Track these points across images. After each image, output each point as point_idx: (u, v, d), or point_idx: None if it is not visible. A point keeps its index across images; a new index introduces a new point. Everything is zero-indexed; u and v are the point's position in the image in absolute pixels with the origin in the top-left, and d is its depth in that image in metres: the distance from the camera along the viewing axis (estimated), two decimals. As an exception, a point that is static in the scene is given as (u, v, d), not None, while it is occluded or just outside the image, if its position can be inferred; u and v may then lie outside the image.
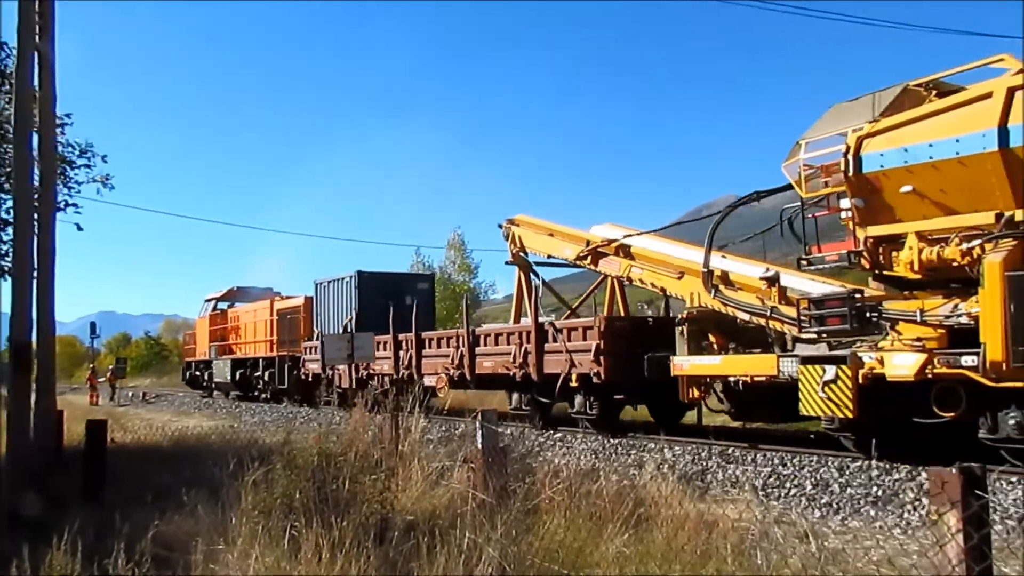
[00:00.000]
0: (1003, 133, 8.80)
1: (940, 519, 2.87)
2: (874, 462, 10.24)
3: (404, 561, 4.68)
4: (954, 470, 2.92)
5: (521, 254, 18.11)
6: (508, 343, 16.82)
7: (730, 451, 11.74)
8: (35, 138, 9.62)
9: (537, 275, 18.42)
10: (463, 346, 17.89)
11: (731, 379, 12.29)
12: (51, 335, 9.69)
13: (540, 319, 16.50)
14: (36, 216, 9.51)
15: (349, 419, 7.52)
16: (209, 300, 35.89)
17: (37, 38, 9.67)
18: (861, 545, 6.94)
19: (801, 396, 10.61)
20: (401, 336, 20.10)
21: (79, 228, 14.54)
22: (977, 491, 2.87)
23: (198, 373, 36.83)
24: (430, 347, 19.38)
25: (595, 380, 14.41)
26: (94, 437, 8.50)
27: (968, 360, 9.02)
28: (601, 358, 14.22)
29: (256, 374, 29.61)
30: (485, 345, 17.62)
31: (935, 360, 9.44)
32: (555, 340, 15.44)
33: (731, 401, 12.73)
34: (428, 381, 18.66)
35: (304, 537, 4.70)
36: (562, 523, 5.33)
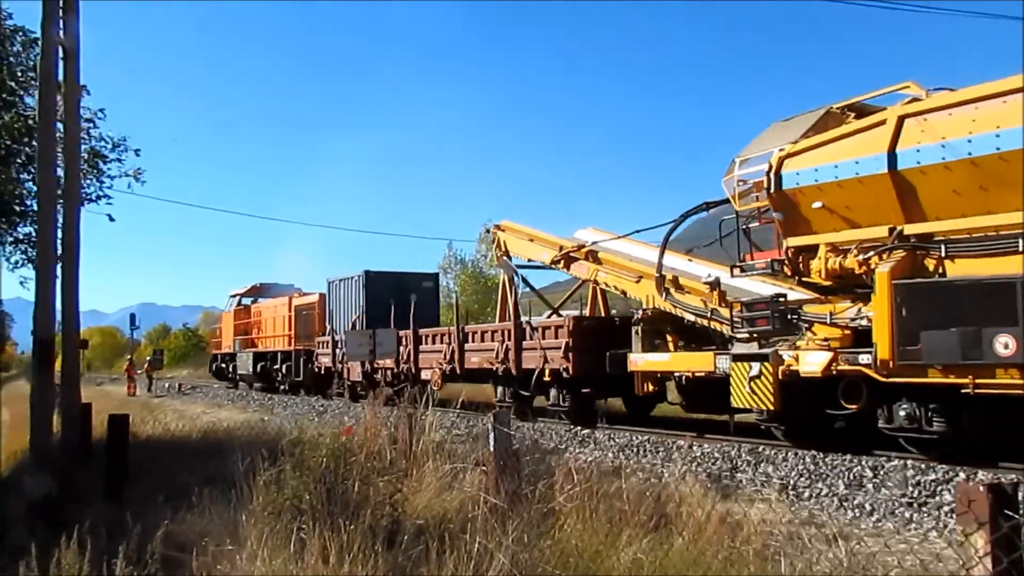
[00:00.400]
0: (892, 157, 10.00)
1: (967, 540, 2.66)
2: (909, 461, 9.98)
3: (413, 566, 4.56)
4: (982, 487, 2.71)
5: (505, 257, 19.53)
6: (492, 340, 18.20)
7: (760, 449, 11.49)
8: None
9: (522, 278, 19.59)
10: (454, 343, 19.25)
11: (676, 374, 13.56)
12: (75, 329, 9.70)
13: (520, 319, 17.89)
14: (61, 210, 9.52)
15: (363, 419, 7.42)
16: (234, 296, 37.47)
17: (61, 32, 9.65)
18: (894, 549, 6.73)
19: (732, 390, 11.73)
20: (401, 332, 20.88)
21: (111, 219, 14.67)
22: (1007, 511, 2.66)
23: (224, 365, 38.41)
24: (426, 343, 20.52)
25: (564, 375, 15.80)
26: (116, 432, 8.48)
27: (864, 358, 10.21)
28: (570, 354, 15.66)
29: (275, 367, 31.07)
30: (472, 342, 18.99)
31: (839, 358, 10.62)
32: (531, 338, 16.87)
33: (683, 394, 13.95)
34: (424, 375, 19.94)
35: (311, 540, 4.59)
36: (578, 527, 5.17)
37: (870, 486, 9.61)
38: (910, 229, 10.14)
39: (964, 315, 9.06)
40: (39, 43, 9.98)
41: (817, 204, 10.94)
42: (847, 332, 10.79)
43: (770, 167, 11.41)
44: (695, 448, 12.05)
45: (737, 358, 11.74)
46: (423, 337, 20.60)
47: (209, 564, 4.79)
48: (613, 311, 18.40)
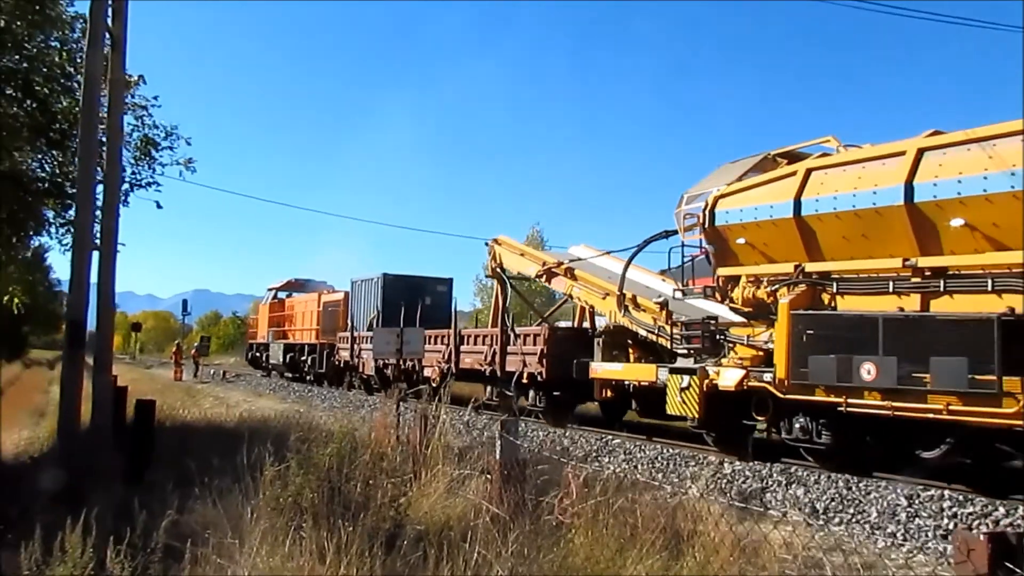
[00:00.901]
0: (797, 204, 11.65)
1: (964, 591, 2.49)
2: (946, 492, 9.66)
3: (410, 572, 4.48)
4: (983, 536, 2.53)
5: (499, 269, 21.01)
6: (482, 344, 20.09)
7: (793, 470, 11.23)
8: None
9: (513, 287, 21.54)
10: (451, 345, 21.12)
11: (627, 382, 15.36)
12: (111, 313, 9.81)
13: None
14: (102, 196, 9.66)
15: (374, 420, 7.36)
16: (271, 289, 39.34)
17: (110, 20, 9.77)
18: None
19: (668, 398, 13.28)
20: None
21: (159, 206, 14.85)
22: (1008, 563, 2.48)
23: (258, 354, 40.46)
24: (430, 344, 21.13)
25: (539, 378, 17.59)
26: (141, 417, 8.55)
27: (767, 376, 11.71)
28: (544, 360, 17.46)
29: (303, 358, 33.15)
30: (466, 345, 20.89)
31: (750, 376, 12.11)
32: (515, 344, 18.71)
33: (636, 401, 15.89)
34: (427, 372, 21.59)
35: (309, 539, 4.53)
36: (584, 542, 5.04)
37: (903, 515, 9.33)
38: (811, 267, 11.78)
39: (842, 344, 10.62)
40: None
41: (740, 240, 12.64)
42: (759, 353, 12.36)
43: (707, 205, 13.07)
44: (726, 465, 11.82)
45: (673, 371, 13.37)
46: (427, 338, 20.63)
47: (209, 556, 4.75)
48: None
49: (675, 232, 14.39)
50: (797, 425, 11.66)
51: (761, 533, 5.78)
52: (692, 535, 5.76)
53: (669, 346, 14.12)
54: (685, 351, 13.70)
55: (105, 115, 9.85)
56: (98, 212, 9.96)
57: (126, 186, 13.74)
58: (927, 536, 8.81)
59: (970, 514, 9.04)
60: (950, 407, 9.53)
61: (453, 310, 22.77)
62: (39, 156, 14.23)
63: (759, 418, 12.27)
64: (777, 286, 12.07)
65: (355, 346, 27.05)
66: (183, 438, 12.07)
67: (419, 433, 6.61)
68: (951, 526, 8.92)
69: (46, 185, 14.02)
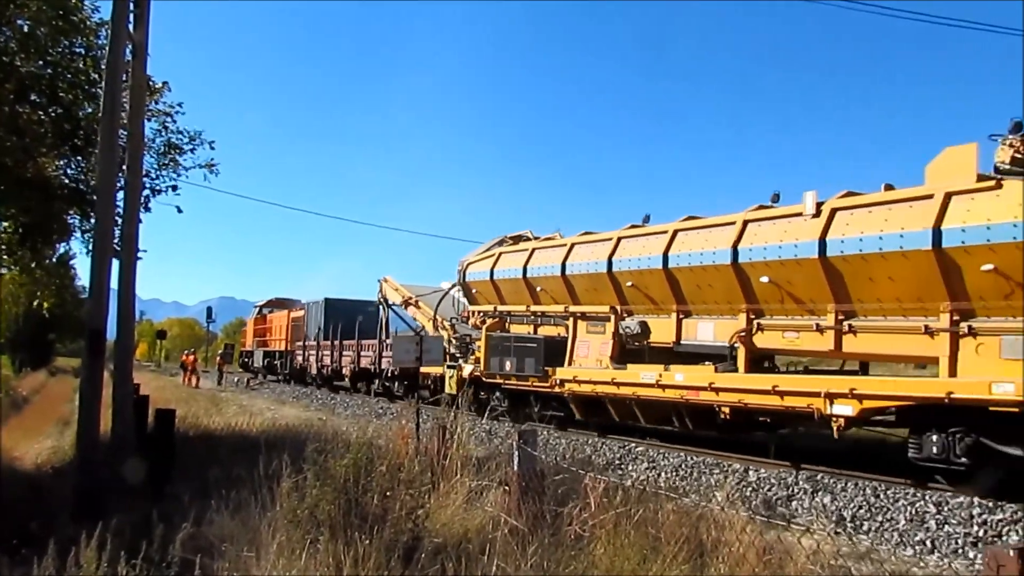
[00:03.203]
0: (492, 272, 20.11)
1: (994, 607, 2.40)
2: (975, 499, 9.47)
3: (428, 586, 4.40)
4: (1012, 551, 2.43)
5: (383, 299, 28.65)
6: (371, 351, 28.83)
7: (819, 477, 11.05)
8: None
9: (392, 310, 28.56)
10: (356, 350, 30.21)
11: (434, 375, 22.61)
12: (132, 321, 9.81)
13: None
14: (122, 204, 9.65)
15: (392, 429, 7.27)
16: (256, 306, 48.19)
17: (132, 27, 9.79)
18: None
19: (446, 383, 20.48)
20: (336, 341, 32.03)
21: (179, 210, 14.89)
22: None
23: (246, 360, 48.80)
24: (347, 350, 31.18)
25: (396, 372, 26.37)
26: (161, 428, 8.52)
27: (472, 369, 19.87)
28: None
29: (276, 362, 41.93)
30: (364, 351, 29.64)
31: (476, 369, 19.47)
32: (388, 350, 26.24)
33: (437, 385, 22.28)
34: (344, 371, 31.15)
35: (326, 552, 4.47)
36: (605, 554, 4.94)
37: (932, 523, 9.17)
38: (502, 308, 19.99)
39: (514, 351, 17.93)
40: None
41: (474, 290, 21.20)
42: (480, 356, 19.46)
43: (461, 267, 21.45)
44: (751, 473, 11.65)
45: (447, 367, 20.49)
46: (345, 346, 31.24)
47: (225, 569, 4.70)
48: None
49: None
50: (495, 397, 18.90)
51: (788, 543, 5.65)
52: (717, 545, 5.63)
53: (451, 351, 21.23)
54: (455, 354, 21.09)
55: (126, 121, 9.86)
56: (119, 219, 9.97)
57: (147, 192, 13.79)
58: (957, 543, 8.65)
59: (1000, 521, 8.88)
60: (534, 383, 17.45)
61: (381, 324, 28.92)
62: (64, 162, 14.32)
63: (485, 394, 19.15)
64: (484, 318, 20.23)
65: (306, 352, 35.98)
66: (206, 447, 12.07)
67: (437, 443, 6.54)
68: (980, 533, 8.76)
69: (70, 191, 14.10)
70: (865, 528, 9.44)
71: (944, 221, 10.36)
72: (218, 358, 48.91)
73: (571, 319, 17.18)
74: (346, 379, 31.40)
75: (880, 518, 9.57)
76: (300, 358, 36.70)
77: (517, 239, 20.78)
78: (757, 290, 12.93)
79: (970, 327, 10.32)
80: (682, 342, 14.63)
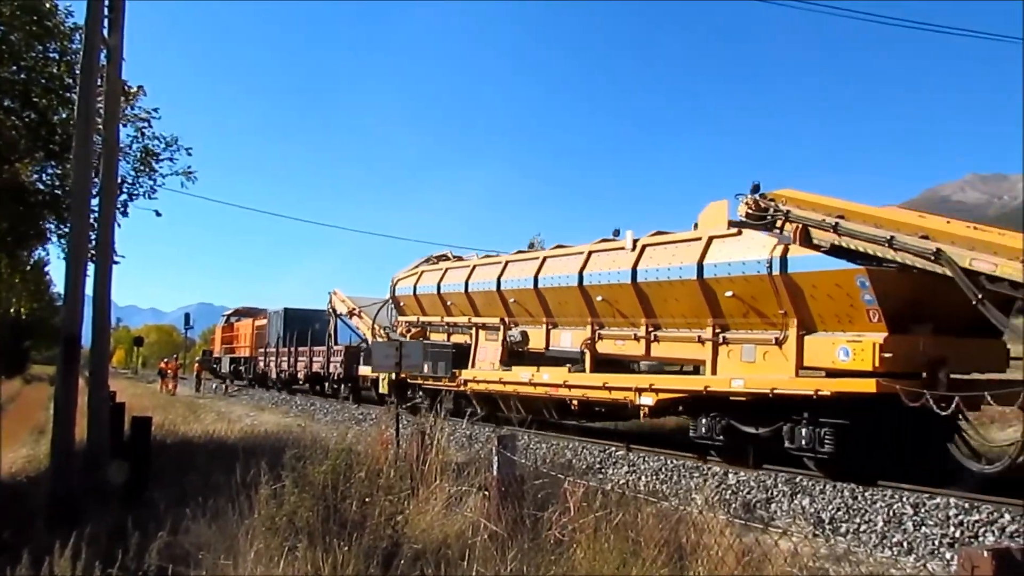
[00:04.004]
0: (415, 288, 22.84)
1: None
2: (952, 500, 9.55)
3: (407, 592, 4.38)
4: (987, 552, 2.45)
5: (332, 309, 31.20)
6: (322, 356, 31.70)
7: (798, 479, 11.11)
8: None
9: (341, 320, 31.01)
10: (308, 356, 33.39)
11: (367, 377, 25.91)
12: (107, 327, 9.72)
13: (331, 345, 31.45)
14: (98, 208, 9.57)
15: (372, 435, 7.24)
16: (225, 315, 51.62)
17: (107, 32, 9.71)
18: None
19: (380, 383, 23.57)
20: (292, 348, 35.11)
21: (158, 214, 14.77)
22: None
23: (215, 365, 51.46)
24: (301, 356, 34.38)
25: (340, 376, 29.69)
26: (137, 435, 8.44)
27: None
28: (342, 365, 29.31)
29: (241, 367, 44.55)
30: (316, 356, 32.56)
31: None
32: (336, 355, 30.28)
33: (375, 386, 24.99)
34: (299, 375, 34.45)
35: (304, 559, 4.44)
36: (585, 558, 4.93)
37: (910, 524, 9.23)
38: (423, 319, 22.69)
39: (431, 356, 19.72)
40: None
41: (401, 303, 23.93)
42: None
43: (392, 282, 24.20)
44: (730, 476, 11.70)
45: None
46: (300, 352, 34.25)
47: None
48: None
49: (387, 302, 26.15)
50: (419, 396, 21.33)
51: (767, 545, 5.68)
52: (696, 548, 5.65)
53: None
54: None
55: (101, 127, 9.78)
56: (95, 224, 9.88)
57: (124, 197, 13.68)
58: (934, 545, 8.71)
59: (976, 522, 8.94)
60: (445, 383, 20.07)
61: (329, 333, 31.59)
62: (39, 168, 14.18)
63: (408, 393, 21.62)
64: (410, 327, 23.25)
65: (267, 358, 38.90)
66: (184, 454, 11.97)
67: (416, 449, 6.52)
68: (957, 534, 8.83)
69: (46, 197, 13.97)
70: (843, 530, 9.50)
71: (706, 258, 13.34)
72: (196, 364, 48.69)
73: (473, 329, 20.16)
74: (300, 382, 34.96)
75: (858, 520, 9.62)
76: (262, 363, 39.63)
77: (439, 259, 23.77)
78: (597, 307, 16.02)
79: (724, 338, 13.31)
80: (550, 348, 17.80)
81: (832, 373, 11.65)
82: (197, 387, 42.27)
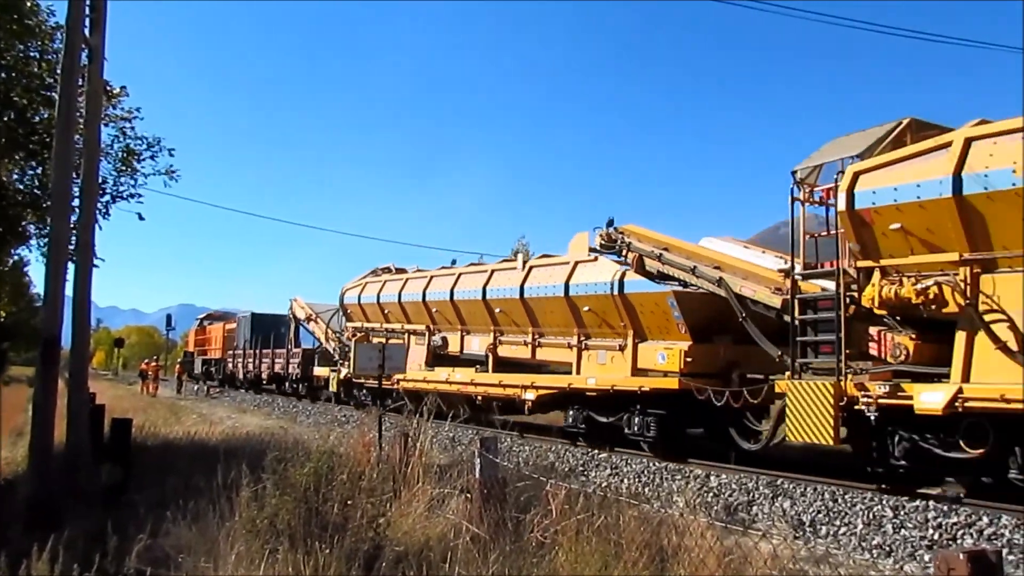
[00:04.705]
0: (379, 296, 25.10)
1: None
2: (931, 503, 9.64)
3: (389, 594, 4.38)
4: (962, 555, 2.48)
5: (292, 315, 34.21)
6: (283, 358, 34.71)
7: (779, 482, 11.17)
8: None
9: (303, 327, 33.61)
10: (272, 357, 36.05)
11: (322, 376, 29.47)
12: (87, 329, 9.65)
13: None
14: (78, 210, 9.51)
15: (354, 437, 7.23)
16: (198, 319, 55.23)
17: (88, 31, 9.66)
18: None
19: (330, 382, 27.23)
20: (257, 350, 37.83)
21: (141, 217, 14.64)
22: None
23: (188, 367, 53.15)
24: (266, 358, 36.79)
25: (298, 375, 32.91)
26: (117, 437, 8.38)
27: (344, 371, 26.17)
28: (300, 366, 32.30)
29: (212, 369, 47.64)
30: (277, 358, 35.47)
31: (348, 373, 22.64)
32: (294, 357, 33.37)
33: (326, 385, 29.03)
34: (264, 375, 37.10)
35: (285, 562, 4.42)
36: (567, 560, 4.95)
37: (889, 527, 9.29)
38: (367, 325, 25.48)
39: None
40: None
41: (349, 311, 27.10)
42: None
43: (341, 292, 27.44)
44: (712, 479, 11.76)
45: (331, 370, 27.15)
46: (264, 354, 36.92)
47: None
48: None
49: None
50: (363, 391, 24.85)
51: (747, 547, 5.70)
52: (677, 550, 5.66)
53: (336, 357, 28.03)
54: (337, 360, 27.55)
55: (82, 127, 9.72)
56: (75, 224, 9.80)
57: (107, 198, 13.57)
58: (913, 547, 8.78)
59: (954, 524, 9.02)
60: (400, 382, 21.44)
61: (288, 337, 34.50)
62: (19, 168, 14.04)
63: (354, 390, 25.29)
64: (355, 332, 26.52)
65: (235, 359, 41.57)
66: (164, 456, 11.88)
67: (399, 451, 6.51)
68: (935, 536, 8.89)
69: (26, 197, 13.84)
70: (823, 532, 9.55)
71: (572, 279, 16.52)
72: (178, 366, 48.42)
73: (406, 334, 23.01)
74: (265, 382, 37.89)
75: (838, 522, 9.68)
76: (231, 364, 42.63)
77: (383, 271, 26.49)
78: (498, 317, 19.21)
79: (586, 344, 16.48)
80: (464, 352, 20.89)
81: (668, 374, 14.13)
82: (178, 389, 42.00)
